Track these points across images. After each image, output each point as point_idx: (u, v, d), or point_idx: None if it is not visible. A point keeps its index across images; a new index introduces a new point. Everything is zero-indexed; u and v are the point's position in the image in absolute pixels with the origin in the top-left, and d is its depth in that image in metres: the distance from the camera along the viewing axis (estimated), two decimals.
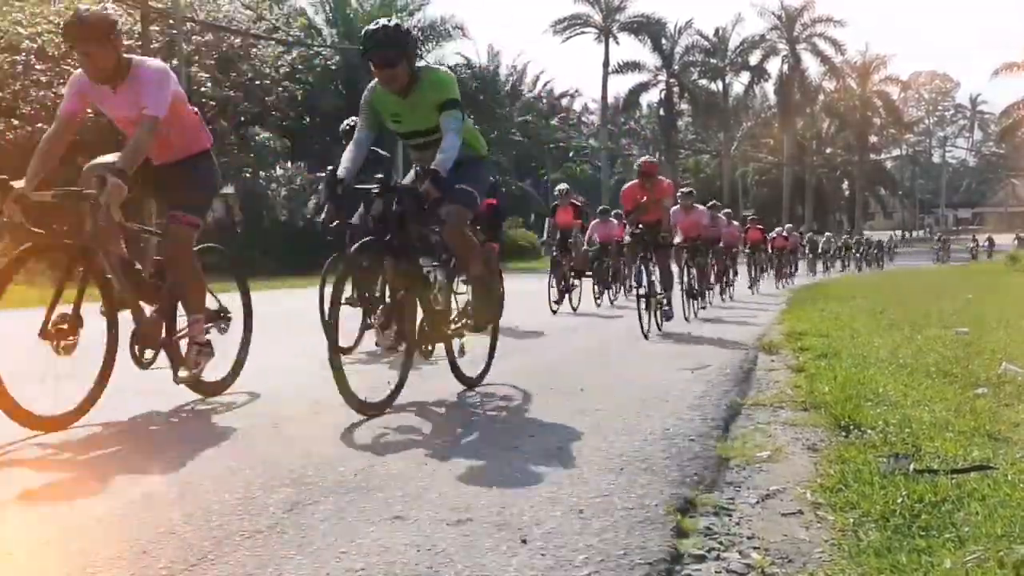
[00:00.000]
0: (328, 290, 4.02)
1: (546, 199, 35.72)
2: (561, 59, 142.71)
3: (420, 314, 4.19)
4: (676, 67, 49.93)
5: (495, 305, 4.96)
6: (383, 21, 4.08)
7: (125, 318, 3.92)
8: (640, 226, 8.19)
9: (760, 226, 19.68)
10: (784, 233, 23.02)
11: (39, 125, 21.61)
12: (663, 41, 49.09)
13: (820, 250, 30.21)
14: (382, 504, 2.49)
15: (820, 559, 2.15)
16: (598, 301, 12.03)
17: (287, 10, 30.28)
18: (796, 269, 24.53)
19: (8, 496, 2.60)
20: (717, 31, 51.45)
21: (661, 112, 52.84)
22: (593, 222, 12.98)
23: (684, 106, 53.05)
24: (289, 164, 24.06)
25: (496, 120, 36.97)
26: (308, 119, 27.20)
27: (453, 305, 4.55)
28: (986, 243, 45.03)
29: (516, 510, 2.43)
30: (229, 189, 26.68)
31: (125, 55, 3.89)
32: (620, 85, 66.15)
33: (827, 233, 36.01)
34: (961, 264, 35.44)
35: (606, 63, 47.90)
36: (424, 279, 4.27)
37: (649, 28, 48.22)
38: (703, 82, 51.91)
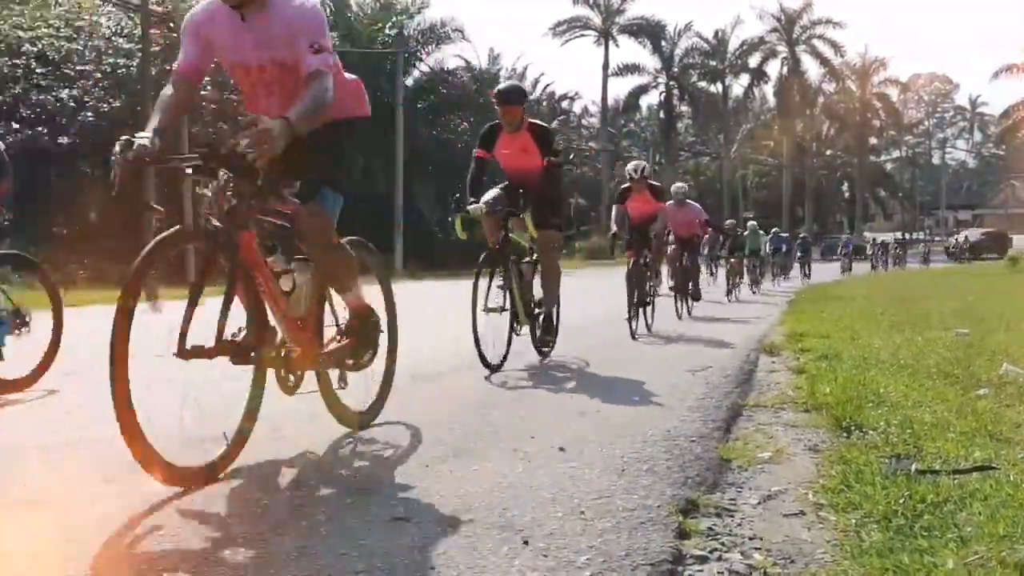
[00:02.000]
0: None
1: None
2: (561, 62, 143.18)
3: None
4: (676, 69, 50.01)
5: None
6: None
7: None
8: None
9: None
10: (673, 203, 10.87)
11: (39, 128, 21.64)
12: (663, 43, 49.21)
13: (747, 250, 18.38)
14: (383, 506, 2.49)
15: (822, 560, 2.15)
16: None
17: None
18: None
19: (8, 497, 2.60)
20: (716, 33, 51.60)
21: (661, 114, 52.96)
22: None
23: (684, 108, 53.15)
24: None
25: None
26: None
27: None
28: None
29: (518, 511, 2.43)
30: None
31: None
32: (620, 87, 66.41)
33: (750, 223, 22.11)
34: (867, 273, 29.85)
35: (606, 65, 47.99)
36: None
37: (649, 30, 48.33)
38: (703, 84, 52.03)
